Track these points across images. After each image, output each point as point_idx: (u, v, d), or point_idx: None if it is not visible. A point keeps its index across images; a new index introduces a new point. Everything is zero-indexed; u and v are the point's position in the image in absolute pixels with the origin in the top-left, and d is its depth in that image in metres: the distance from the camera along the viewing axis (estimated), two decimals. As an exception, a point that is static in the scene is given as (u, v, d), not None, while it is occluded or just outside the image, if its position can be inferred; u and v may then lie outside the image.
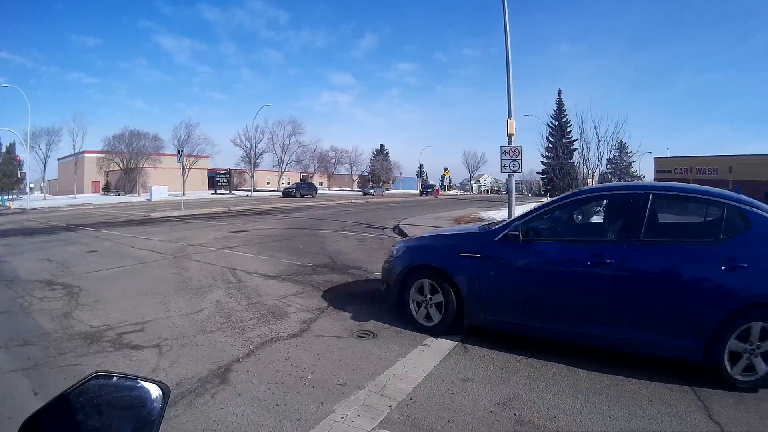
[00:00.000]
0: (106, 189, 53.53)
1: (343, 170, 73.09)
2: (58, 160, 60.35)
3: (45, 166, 52.95)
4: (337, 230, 11.38)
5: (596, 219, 4.24)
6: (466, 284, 3.60)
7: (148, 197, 36.71)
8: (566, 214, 3.83)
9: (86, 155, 54.75)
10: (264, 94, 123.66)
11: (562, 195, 4.06)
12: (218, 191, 45.78)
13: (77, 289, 5.67)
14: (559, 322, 3.30)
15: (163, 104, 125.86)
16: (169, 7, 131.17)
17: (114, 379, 0.79)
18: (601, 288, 3.11)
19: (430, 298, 3.82)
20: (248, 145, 55.25)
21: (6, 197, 48.26)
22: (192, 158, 47.34)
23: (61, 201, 37.76)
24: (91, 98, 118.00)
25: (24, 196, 47.50)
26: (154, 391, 0.78)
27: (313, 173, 66.49)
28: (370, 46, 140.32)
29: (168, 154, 52.75)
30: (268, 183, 65.43)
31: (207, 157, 54.92)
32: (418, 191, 57.30)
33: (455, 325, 3.72)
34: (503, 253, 3.53)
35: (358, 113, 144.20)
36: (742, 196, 3.20)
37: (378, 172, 73.50)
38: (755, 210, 2.99)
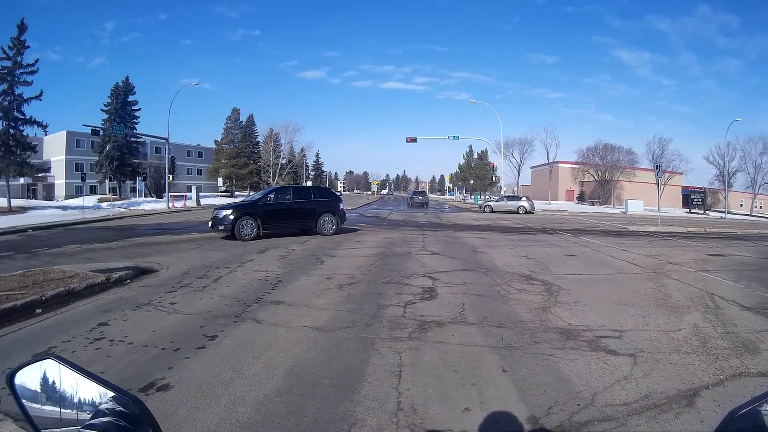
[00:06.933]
0: (581, 198, 57.08)
1: (810, 197, 55.39)
2: (532, 168, 67.74)
3: (519, 172, 60.07)
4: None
5: None
6: None
7: (623, 209, 37.48)
8: None
9: (560, 165, 60.34)
10: (731, 107, 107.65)
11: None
12: (692, 210, 43.02)
13: (556, 288, 6.19)
14: None
15: (633, 118, 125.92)
16: (618, 21, 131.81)
17: None
18: None
19: None
20: (721, 163, 49.52)
21: (479, 197, 57.37)
22: (667, 174, 45.40)
23: (535, 205, 42.06)
24: (559, 111, 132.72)
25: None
26: None
27: (782, 198, 53.05)
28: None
29: (641, 169, 53.91)
30: (741, 205, 56.37)
31: (680, 173, 53.41)
32: None
33: None
34: None
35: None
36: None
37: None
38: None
